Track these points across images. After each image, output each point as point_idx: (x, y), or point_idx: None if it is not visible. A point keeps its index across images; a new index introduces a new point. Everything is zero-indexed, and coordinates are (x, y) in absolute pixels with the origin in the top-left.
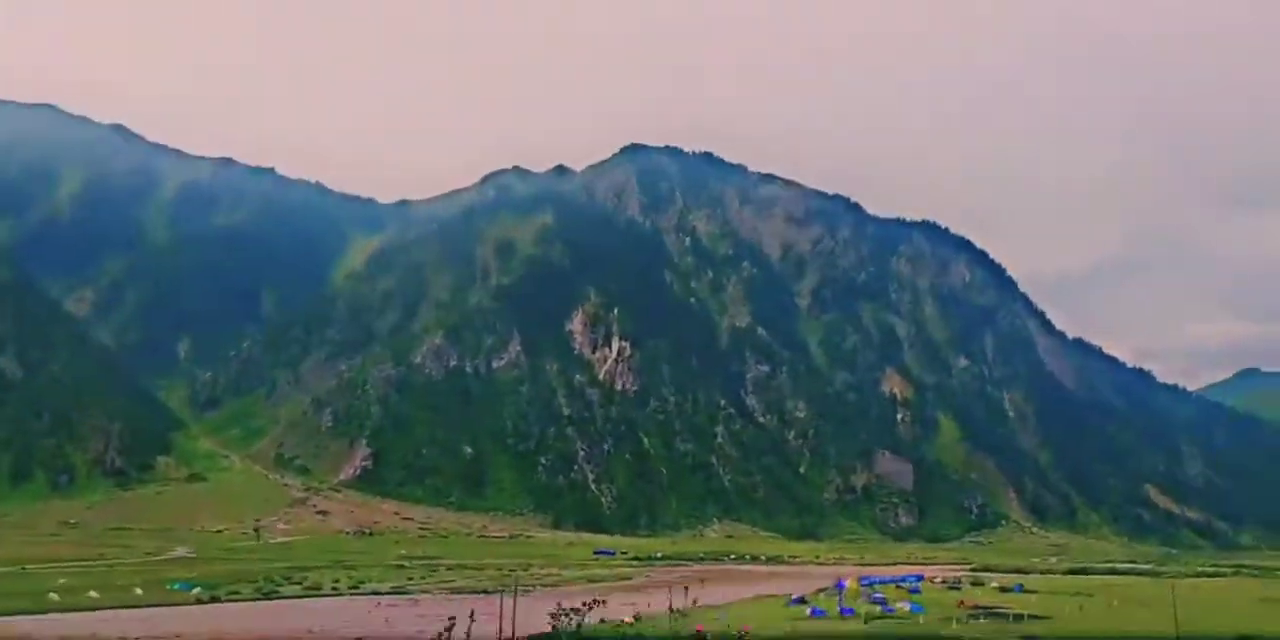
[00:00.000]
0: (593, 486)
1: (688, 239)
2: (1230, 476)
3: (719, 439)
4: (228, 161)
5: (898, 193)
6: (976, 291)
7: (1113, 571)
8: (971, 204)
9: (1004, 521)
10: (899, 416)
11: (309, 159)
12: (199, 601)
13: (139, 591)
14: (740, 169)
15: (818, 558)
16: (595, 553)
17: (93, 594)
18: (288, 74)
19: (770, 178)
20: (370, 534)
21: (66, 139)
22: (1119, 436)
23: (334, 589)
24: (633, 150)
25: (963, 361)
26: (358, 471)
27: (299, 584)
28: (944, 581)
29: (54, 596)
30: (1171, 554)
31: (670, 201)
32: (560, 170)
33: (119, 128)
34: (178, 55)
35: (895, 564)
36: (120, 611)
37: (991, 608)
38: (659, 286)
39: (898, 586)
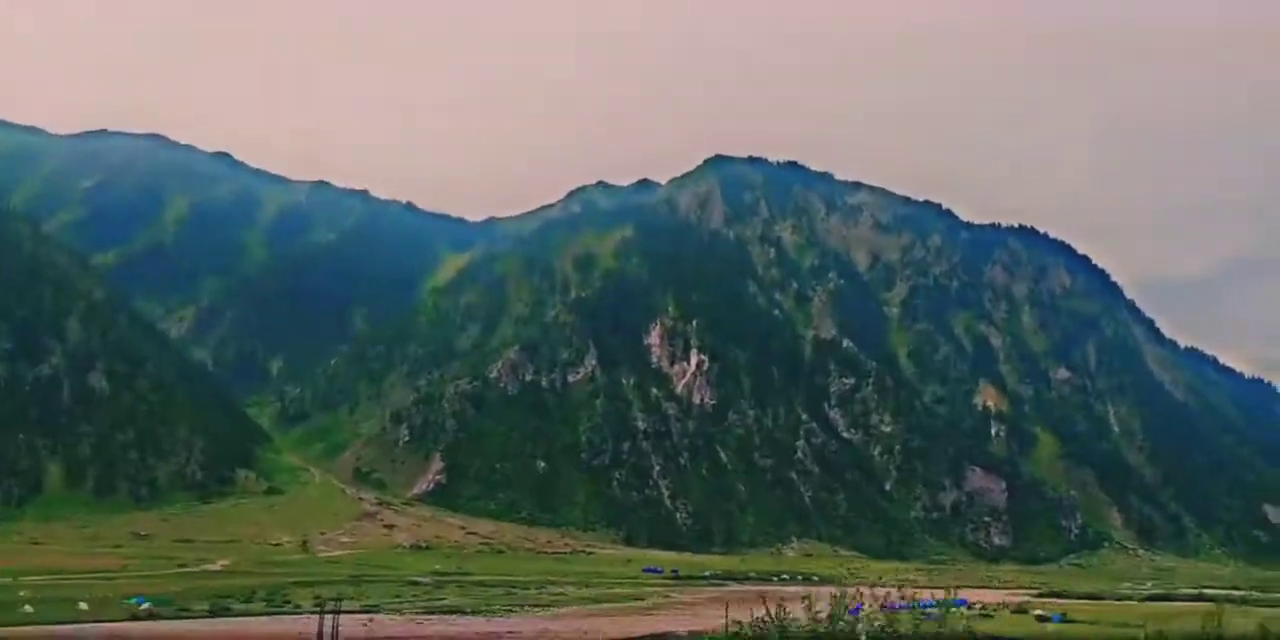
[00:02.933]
0: (668, 502)
1: (772, 250)
2: None
3: (799, 454)
4: (323, 185)
5: (994, 197)
6: (1078, 299)
7: (1199, 598)
8: (1075, 205)
9: (1107, 543)
10: (993, 431)
11: (400, 180)
12: (135, 618)
13: (83, 606)
14: (826, 177)
15: (880, 578)
16: (644, 570)
17: (27, 608)
18: (379, 98)
19: (857, 185)
20: (426, 548)
21: (173, 166)
22: (1235, 451)
23: (297, 607)
24: (716, 161)
25: (1063, 373)
26: (431, 486)
27: (268, 601)
28: (983, 608)
29: None
30: None
31: (754, 212)
32: (643, 184)
33: (222, 155)
34: (276, 87)
35: (961, 587)
36: (31, 628)
37: None
38: (741, 298)
39: (923, 613)
